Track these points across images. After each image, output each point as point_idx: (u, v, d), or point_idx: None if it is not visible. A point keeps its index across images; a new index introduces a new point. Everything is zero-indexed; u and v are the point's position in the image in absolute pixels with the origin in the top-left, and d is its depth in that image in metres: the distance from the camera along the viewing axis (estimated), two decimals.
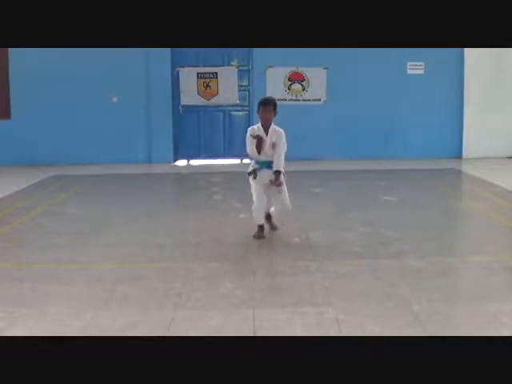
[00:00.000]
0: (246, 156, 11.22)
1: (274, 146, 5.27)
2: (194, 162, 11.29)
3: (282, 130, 5.33)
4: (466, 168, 9.98)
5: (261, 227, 5.48)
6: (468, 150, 11.08)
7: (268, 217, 5.57)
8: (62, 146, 10.88)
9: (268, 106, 5.30)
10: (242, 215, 6.50)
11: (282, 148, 5.31)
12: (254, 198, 5.37)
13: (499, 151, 11.00)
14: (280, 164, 5.26)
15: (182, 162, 11.30)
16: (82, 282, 4.40)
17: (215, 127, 11.37)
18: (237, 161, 11.31)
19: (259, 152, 5.28)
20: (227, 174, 9.82)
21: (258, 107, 5.38)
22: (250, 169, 5.39)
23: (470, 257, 5.00)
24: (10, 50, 10.66)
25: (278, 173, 5.24)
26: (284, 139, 5.31)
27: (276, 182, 5.22)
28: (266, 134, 5.29)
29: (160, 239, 5.57)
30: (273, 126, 5.32)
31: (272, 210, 5.53)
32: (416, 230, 5.76)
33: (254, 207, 5.43)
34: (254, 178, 5.32)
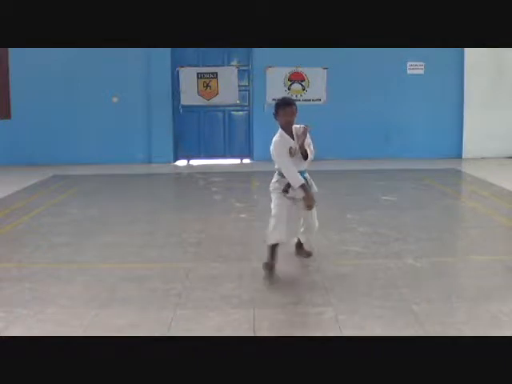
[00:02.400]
0: (246, 156, 11.34)
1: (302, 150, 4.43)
2: (194, 162, 11.29)
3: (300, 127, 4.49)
4: (466, 168, 9.98)
5: (273, 251, 4.43)
6: (468, 150, 11.08)
7: (299, 245, 4.92)
8: (62, 145, 10.89)
9: (290, 106, 4.42)
10: (242, 215, 6.50)
11: (311, 142, 4.53)
12: (275, 211, 4.42)
13: (499, 151, 11.00)
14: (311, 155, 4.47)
15: (181, 162, 11.30)
16: (81, 281, 4.40)
17: (215, 127, 11.37)
18: (237, 161, 11.32)
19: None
20: (227, 174, 9.83)
21: (276, 110, 4.43)
22: (276, 184, 4.47)
23: (470, 257, 5.00)
24: (10, 50, 10.66)
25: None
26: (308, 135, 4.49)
27: (303, 132, 4.35)
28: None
29: (160, 239, 5.57)
30: (294, 127, 4.48)
31: (301, 231, 4.81)
32: (416, 230, 5.76)
33: (271, 224, 4.40)
34: (287, 193, 4.41)
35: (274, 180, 4.54)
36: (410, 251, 5.04)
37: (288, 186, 4.40)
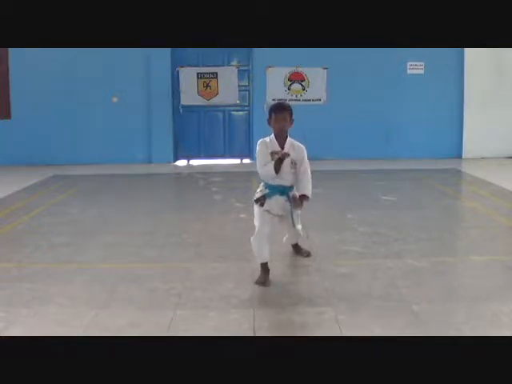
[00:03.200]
0: (246, 156, 11.34)
1: (292, 165, 4.25)
2: (194, 162, 11.29)
3: (302, 146, 4.33)
4: (466, 168, 9.98)
5: (265, 268, 4.29)
6: (468, 150, 11.08)
7: (296, 249, 4.90)
8: (62, 146, 10.89)
9: (282, 112, 4.17)
10: (242, 215, 6.49)
11: (308, 167, 4.31)
12: (257, 225, 4.30)
13: (499, 151, 11.00)
14: (309, 187, 4.28)
15: (181, 162, 11.30)
16: (81, 281, 4.40)
17: (215, 127, 11.37)
18: (237, 161, 11.32)
19: (278, 171, 4.17)
20: (227, 173, 9.83)
21: (270, 114, 4.22)
22: (258, 194, 4.31)
23: (470, 257, 5.00)
24: (10, 50, 10.66)
25: (305, 198, 4.27)
26: (306, 156, 4.33)
27: (296, 204, 4.26)
28: (282, 150, 4.23)
29: (160, 239, 5.57)
30: (290, 140, 4.27)
31: (285, 239, 4.85)
32: (416, 230, 5.76)
33: (253, 238, 4.29)
34: (261, 205, 4.25)
35: (257, 190, 4.38)
36: (409, 251, 5.04)
37: (263, 197, 4.25)
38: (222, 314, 3.72)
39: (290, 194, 4.33)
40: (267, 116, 4.28)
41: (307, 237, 5.12)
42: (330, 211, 6.64)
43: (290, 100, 10.81)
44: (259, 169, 4.27)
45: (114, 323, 3.60)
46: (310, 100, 11.08)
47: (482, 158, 10.90)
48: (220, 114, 11.35)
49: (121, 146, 10.96)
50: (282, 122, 4.18)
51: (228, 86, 11.13)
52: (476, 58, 10.75)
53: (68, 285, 4.33)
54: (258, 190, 4.35)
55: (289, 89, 11.07)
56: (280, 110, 4.20)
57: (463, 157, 11.08)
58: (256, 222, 4.32)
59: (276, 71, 11.03)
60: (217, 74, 11.07)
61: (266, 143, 4.24)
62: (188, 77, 11.06)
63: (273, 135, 4.27)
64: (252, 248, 4.32)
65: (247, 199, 7.50)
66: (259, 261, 4.31)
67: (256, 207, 4.33)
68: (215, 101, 11.17)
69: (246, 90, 11.29)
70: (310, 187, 4.29)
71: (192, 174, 9.86)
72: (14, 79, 10.81)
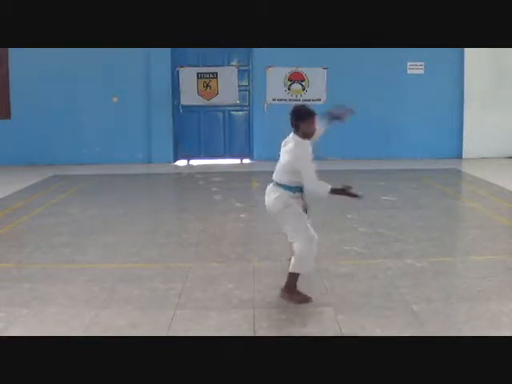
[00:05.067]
0: (246, 156, 11.34)
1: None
2: (194, 162, 11.29)
3: None
4: (466, 168, 9.98)
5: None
6: (468, 150, 11.08)
7: None
8: (62, 145, 10.88)
9: (315, 117, 3.95)
10: (242, 215, 6.50)
11: None
12: (305, 235, 3.85)
13: (499, 151, 11.00)
14: None
15: (181, 162, 11.30)
16: (82, 281, 4.40)
17: (215, 127, 11.37)
18: (237, 161, 11.32)
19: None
20: (227, 173, 9.83)
21: (306, 118, 3.87)
22: (292, 200, 3.89)
23: (470, 257, 5.00)
24: (10, 49, 10.66)
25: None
26: None
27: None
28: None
29: (160, 239, 5.57)
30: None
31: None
32: (416, 230, 5.76)
33: (306, 246, 3.82)
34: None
35: (280, 195, 3.88)
36: (410, 251, 5.04)
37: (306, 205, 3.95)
38: (222, 314, 3.72)
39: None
40: (295, 119, 3.90)
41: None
42: (331, 211, 6.63)
43: (290, 100, 10.83)
44: (315, 184, 3.84)
45: (114, 323, 3.60)
46: (310, 100, 11.05)
47: (482, 158, 10.90)
48: (220, 114, 11.35)
49: (121, 146, 10.96)
50: (315, 125, 3.97)
51: (228, 86, 11.12)
52: (476, 58, 10.74)
53: (68, 285, 4.33)
54: (290, 195, 3.88)
55: (289, 89, 11.07)
56: (315, 114, 3.93)
57: (463, 157, 11.08)
58: (298, 227, 3.85)
59: (276, 71, 11.03)
60: (217, 74, 11.07)
61: (308, 151, 3.92)
62: (188, 77, 11.06)
63: (299, 138, 3.91)
64: (300, 254, 3.82)
65: (247, 199, 7.51)
66: (307, 270, 3.93)
67: (291, 211, 3.86)
68: (215, 101, 11.17)
69: (246, 90, 11.28)
70: None
71: (192, 174, 9.86)
72: (13, 79, 10.81)
